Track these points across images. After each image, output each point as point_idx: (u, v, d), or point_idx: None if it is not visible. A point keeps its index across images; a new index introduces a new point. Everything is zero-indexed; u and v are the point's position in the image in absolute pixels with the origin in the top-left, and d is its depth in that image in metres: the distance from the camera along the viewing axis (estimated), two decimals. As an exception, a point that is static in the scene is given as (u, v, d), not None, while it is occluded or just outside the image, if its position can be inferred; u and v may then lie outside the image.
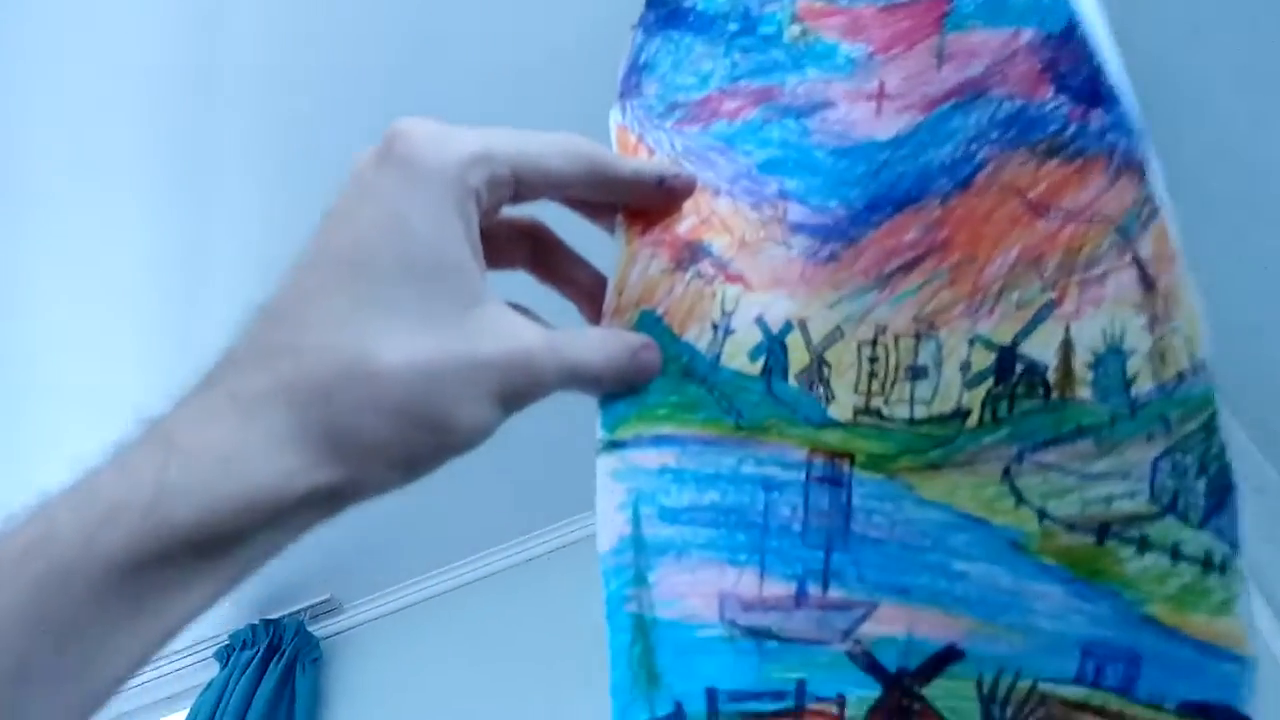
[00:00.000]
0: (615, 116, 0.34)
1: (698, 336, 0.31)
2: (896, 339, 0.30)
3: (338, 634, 1.86)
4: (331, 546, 1.76)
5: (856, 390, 0.30)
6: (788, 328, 0.31)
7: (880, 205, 0.31)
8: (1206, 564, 0.25)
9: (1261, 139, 0.97)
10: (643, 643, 0.28)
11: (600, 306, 0.31)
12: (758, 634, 0.28)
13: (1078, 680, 0.26)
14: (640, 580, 0.28)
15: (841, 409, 0.30)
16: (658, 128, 0.34)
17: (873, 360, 0.30)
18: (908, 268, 0.30)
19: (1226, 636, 0.24)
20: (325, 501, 0.23)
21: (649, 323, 0.30)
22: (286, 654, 1.71)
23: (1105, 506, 0.26)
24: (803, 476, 0.29)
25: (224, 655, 1.75)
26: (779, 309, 0.31)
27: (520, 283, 0.33)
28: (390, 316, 0.24)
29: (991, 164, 0.30)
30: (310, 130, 1.16)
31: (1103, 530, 0.26)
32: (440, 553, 1.85)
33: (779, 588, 0.29)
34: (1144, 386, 0.26)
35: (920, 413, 0.29)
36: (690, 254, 0.31)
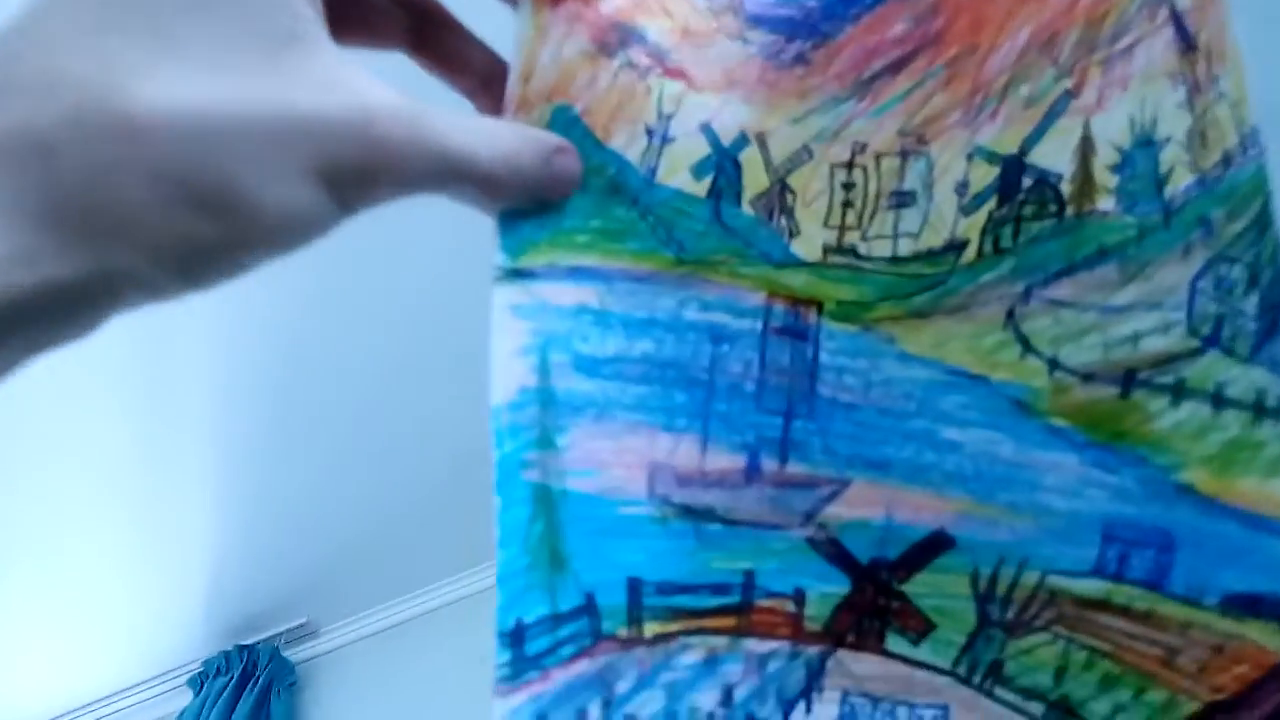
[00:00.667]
0: None
1: (627, 144, 0.24)
2: (878, 159, 0.25)
3: (314, 658, 1.83)
4: (308, 569, 1.74)
5: (827, 223, 0.25)
6: (742, 141, 0.25)
7: None
8: (1259, 409, 0.20)
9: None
10: (546, 519, 0.22)
11: (499, 102, 0.24)
12: (696, 514, 0.23)
13: (1097, 572, 0.21)
14: (546, 443, 0.23)
15: (808, 246, 0.25)
16: None
17: (848, 186, 0.25)
18: (893, 69, 0.25)
19: (1278, 503, 0.20)
20: (72, 303, 0.17)
21: (564, 121, 0.24)
22: (261, 680, 1.68)
23: (1132, 347, 0.22)
24: (759, 326, 0.24)
25: (197, 682, 1.71)
26: (732, 116, 0.25)
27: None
28: (159, 45, 0.17)
29: None
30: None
31: (1128, 378, 0.22)
32: (418, 575, 1.82)
33: (725, 460, 0.24)
34: (1181, 183, 0.21)
35: (905, 248, 0.24)
36: (618, 37, 0.24)
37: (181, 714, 1.66)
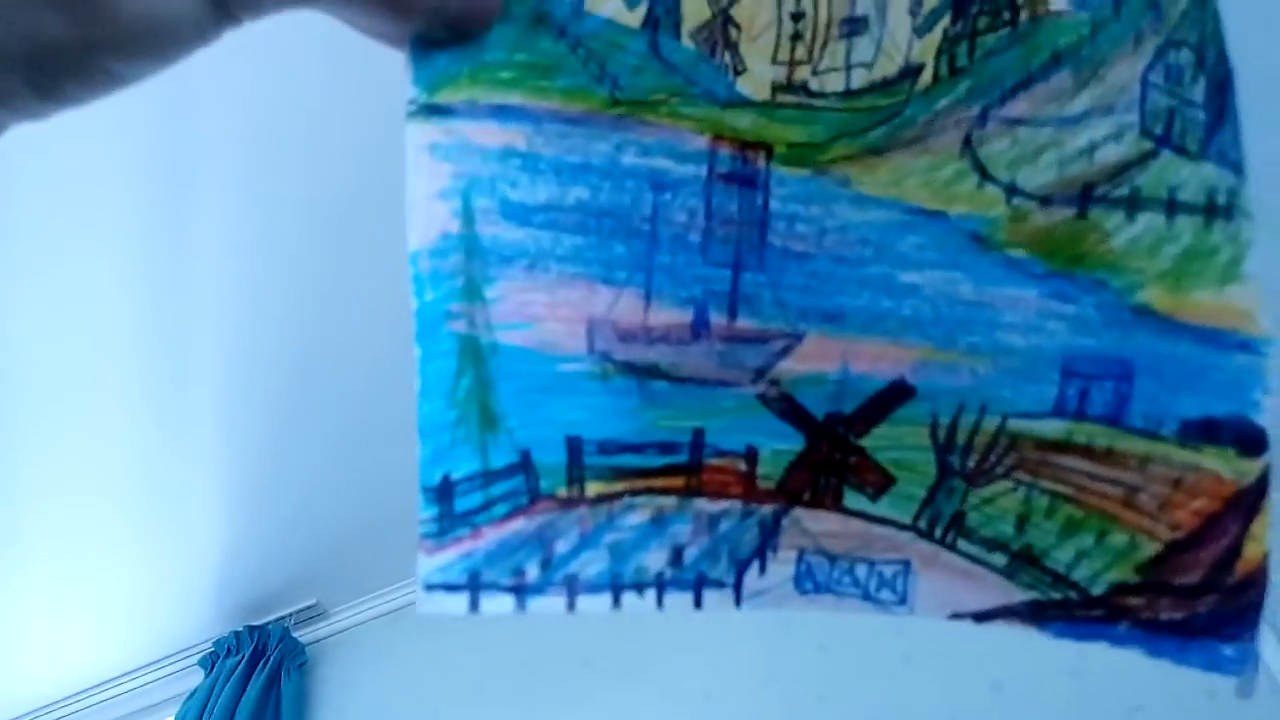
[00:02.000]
0: None
1: None
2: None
3: (324, 639, 1.84)
4: (317, 550, 1.74)
5: (775, 59, 0.23)
6: None
7: None
8: (1209, 210, 0.20)
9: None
10: (474, 373, 0.21)
11: None
12: (640, 371, 0.22)
13: (1057, 412, 0.21)
14: (472, 294, 0.21)
15: (755, 84, 0.23)
16: None
17: (796, 17, 0.23)
18: None
19: (1233, 314, 0.19)
20: None
21: None
22: (271, 660, 1.69)
23: (1088, 161, 0.21)
24: (703, 172, 0.23)
25: (208, 663, 1.73)
26: None
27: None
28: None
29: None
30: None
31: (1085, 195, 0.21)
32: (427, 555, 1.83)
33: (670, 314, 0.22)
34: None
35: (859, 80, 0.23)
36: None
37: (192, 694, 1.67)
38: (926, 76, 0.23)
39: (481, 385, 0.21)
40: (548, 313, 0.22)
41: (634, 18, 0.23)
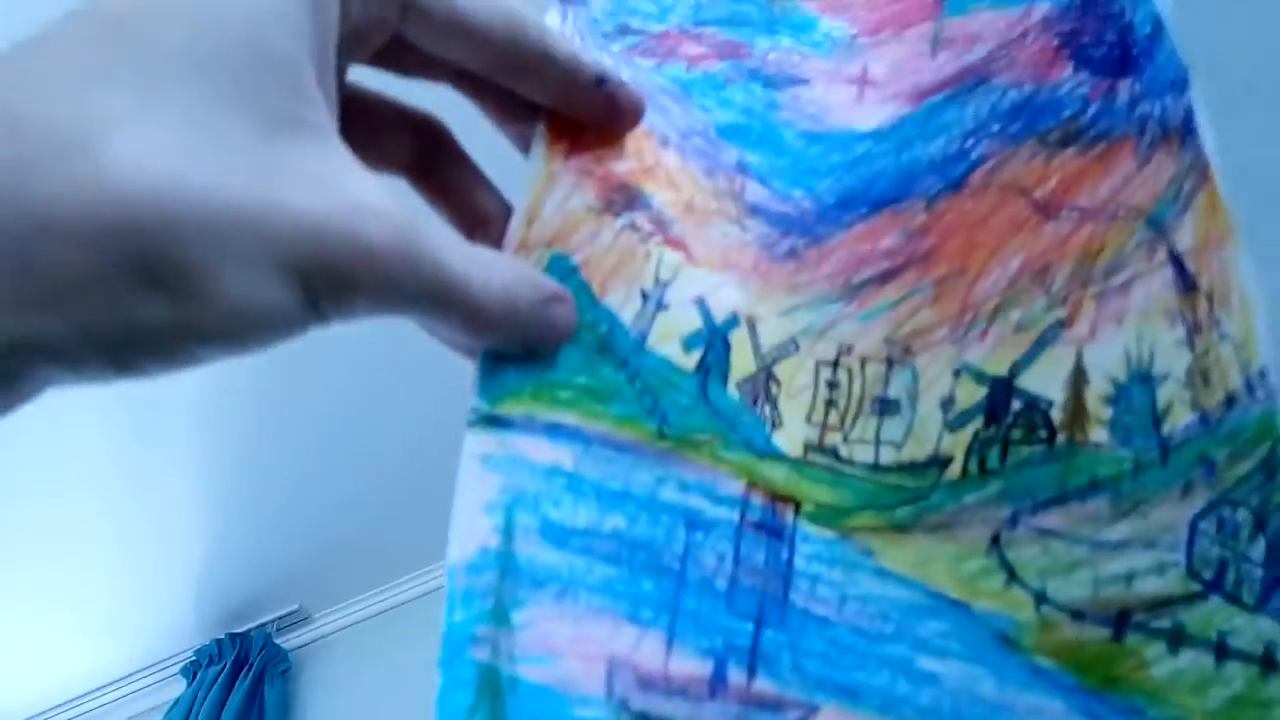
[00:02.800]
0: (553, 18, 0.27)
1: (622, 303, 0.24)
2: (863, 363, 0.24)
3: (307, 644, 1.83)
4: (299, 555, 1.73)
5: (809, 420, 0.24)
6: (733, 321, 0.25)
7: (854, 202, 0.26)
8: (1267, 663, 0.19)
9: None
10: (489, 708, 0.20)
11: (498, 244, 0.24)
12: None
13: None
14: (501, 617, 0.21)
15: (789, 440, 0.24)
16: (603, 48, 0.27)
17: (832, 385, 0.24)
18: (882, 279, 0.25)
19: None
20: None
21: (561, 270, 0.23)
22: (254, 667, 1.68)
23: (1125, 586, 0.20)
24: (735, 517, 0.23)
25: (190, 671, 1.71)
26: (726, 296, 0.25)
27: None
28: (146, 102, 0.15)
29: (991, 160, 0.25)
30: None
31: (1122, 619, 0.20)
32: (410, 559, 1.82)
33: (691, 664, 0.22)
34: (1180, 421, 0.20)
35: (887, 457, 0.23)
36: (624, 199, 0.25)
37: (175, 703, 1.66)
38: (955, 469, 0.23)
39: None
40: (570, 647, 0.21)
41: (689, 360, 0.24)
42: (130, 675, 1.77)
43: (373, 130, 0.23)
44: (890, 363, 0.24)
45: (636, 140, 0.26)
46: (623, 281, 0.24)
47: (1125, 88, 0.24)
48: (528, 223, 0.24)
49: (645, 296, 0.24)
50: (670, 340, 0.24)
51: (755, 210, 0.27)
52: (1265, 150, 1.13)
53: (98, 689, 1.75)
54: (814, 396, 0.24)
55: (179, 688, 1.71)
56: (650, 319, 0.24)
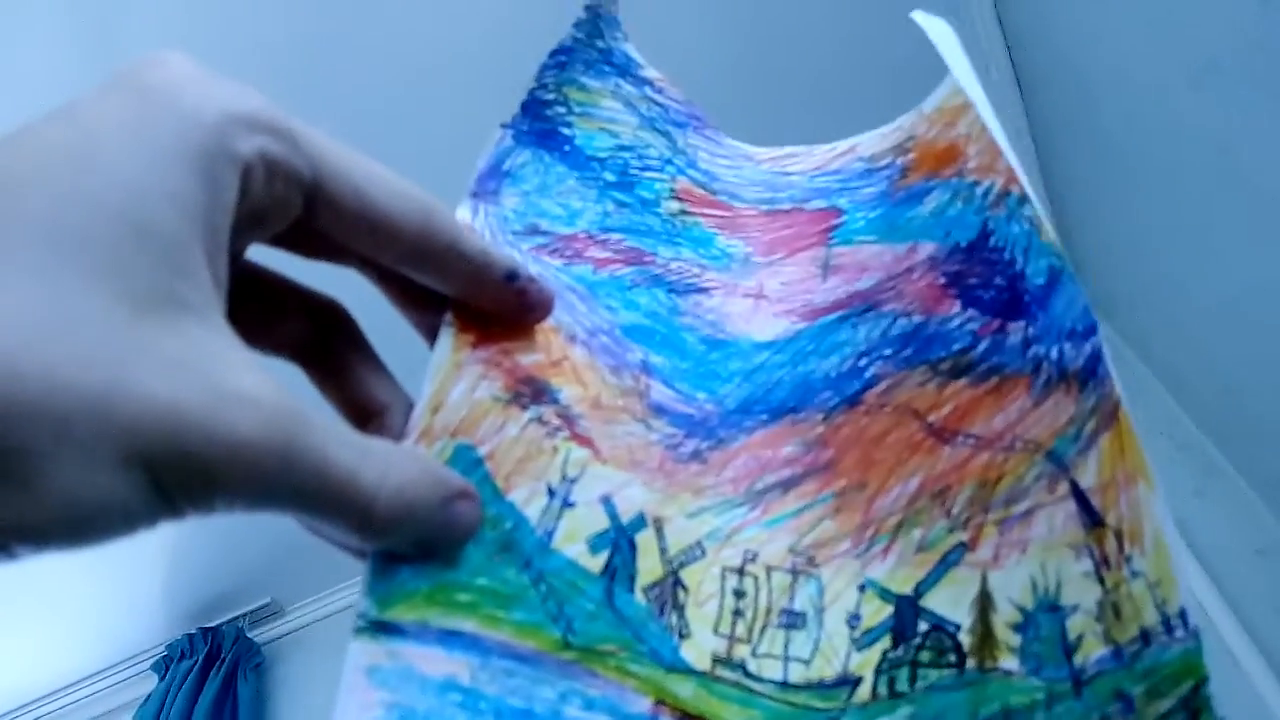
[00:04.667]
0: (464, 214, 0.27)
1: (527, 500, 0.23)
2: (768, 571, 0.24)
3: (280, 638, 1.83)
4: (269, 548, 1.72)
5: (717, 630, 0.23)
6: (640, 522, 0.24)
7: (754, 409, 0.26)
8: None
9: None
10: None
11: (395, 438, 0.23)
12: None
13: None
14: None
15: (697, 652, 0.23)
16: (513, 245, 0.27)
17: (738, 594, 0.24)
18: (784, 487, 0.25)
19: None
20: None
21: (466, 462, 0.22)
22: (226, 662, 1.68)
23: None
24: None
25: (162, 667, 1.71)
26: (632, 495, 0.24)
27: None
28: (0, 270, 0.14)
29: (885, 381, 0.25)
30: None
31: None
32: (382, 551, 1.82)
33: None
34: (1093, 653, 0.20)
35: (796, 675, 0.22)
36: (532, 391, 0.24)
37: (147, 699, 1.65)
38: (865, 691, 0.22)
39: None
40: None
41: (595, 563, 0.23)
42: (101, 671, 1.76)
43: (268, 311, 0.22)
44: (795, 573, 0.24)
45: (545, 334, 0.25)
46: (529, 477, 0.23)
47: (1017, 329, 0.24)
48: (431, 410, 0.23)
49: (552, 493, 0.23)
50: (576, 540, 0.23)
51: (660, 410, 0.26)
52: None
53: (68, 686, 1.75)
54: (721, 606, 0.24)
55: (151, 683, 1.70)
56: (556, 517, 0.23)
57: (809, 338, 0.28)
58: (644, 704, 0.22)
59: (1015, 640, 0.21)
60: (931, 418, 0.24)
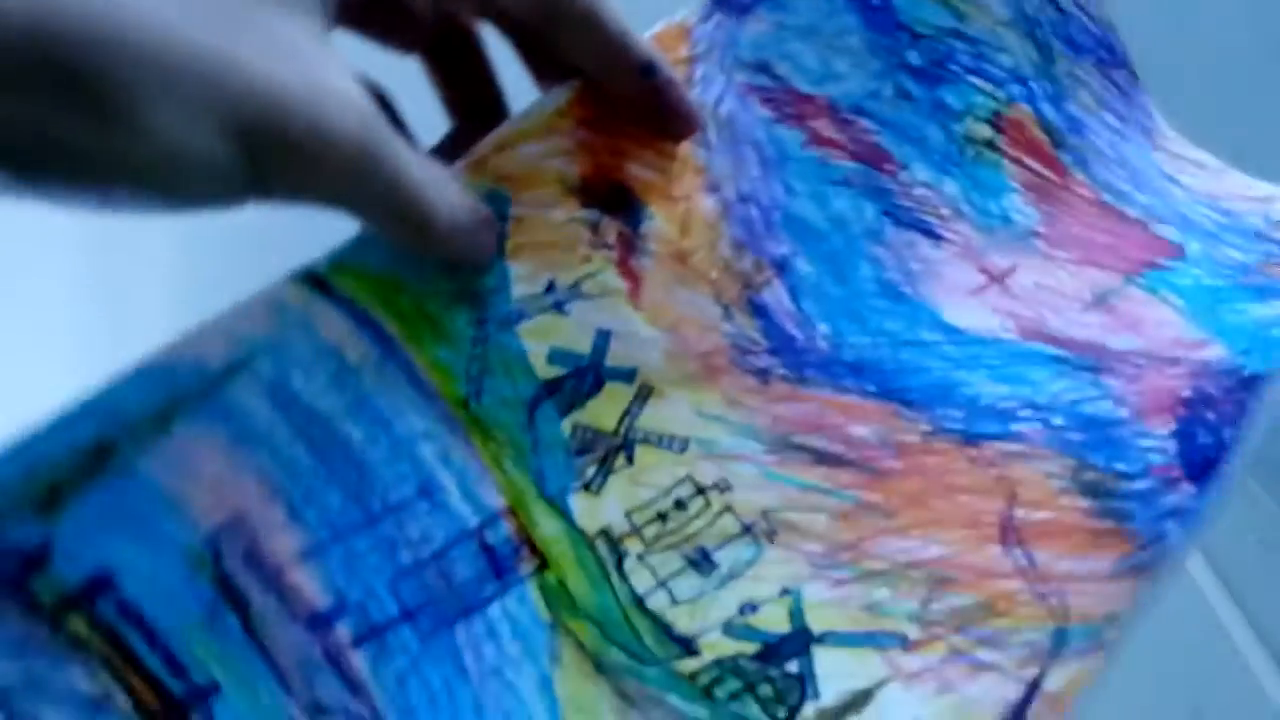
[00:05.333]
0: (688, 15, 0.24)
1: (523, 277, 0.22)
2: (725, 510, 0.22)
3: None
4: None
5: (629, 514, 0.22)
6: (628, 375, 0.23)
7: (867, 374, 0.24)
8: None
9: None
10: (89, 468, 0.19)
11: (468, 142, 0.22)
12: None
13: None
14: (164, 419, 0.20)
15: (590, 512, 0.22)
16: (724, 69, 0.24)
17: (679, 504, 0.22)
18: (820, 458, 0.23)
19: None
20: None
21: (494, 207, 0.22)
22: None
23: None
24: (473, 524, 0.21)
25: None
26: (639, 349, 0.23)
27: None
28: None
29: (1020, 445, 0.23)
30: None
31: None
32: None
33: (311, 586, 0.20)
34: None
35: (655, 602, 0.22)
36: (610, 199, 0.23)
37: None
38: (689, 666, 0.21)
39: None
40: (212, 477, 0.20)
41: (545, 370, 0.22)
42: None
43: (391, 9, 0.22)
44: (747, 530, 0.22)
45: (680, 162, 0.23)
46: (540, 262, 0.22)
47: (1181, 492, 0.22)
48: (495, 148, 0.22)
49: (551, 289, 0.22)
50: (542, 340, 0.22)
51: (761, 312, 0.24)
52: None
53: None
54: (653, 500, 0.22)
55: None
56: (539, 309, 0.22)
57: (1002, 352, 0.24)
58: (496, 500, 0.21)
59: None
60: (1017, 513, 0.22)
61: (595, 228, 0.23)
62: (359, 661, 0.21)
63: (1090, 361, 0.24)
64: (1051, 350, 0.24)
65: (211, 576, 0.20)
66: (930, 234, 0.25)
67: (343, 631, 0.21)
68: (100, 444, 0.19)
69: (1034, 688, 0.21)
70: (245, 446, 0.20)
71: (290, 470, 0.21)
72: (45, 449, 0.19)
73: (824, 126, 0.25)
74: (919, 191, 0.25)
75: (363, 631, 0.21)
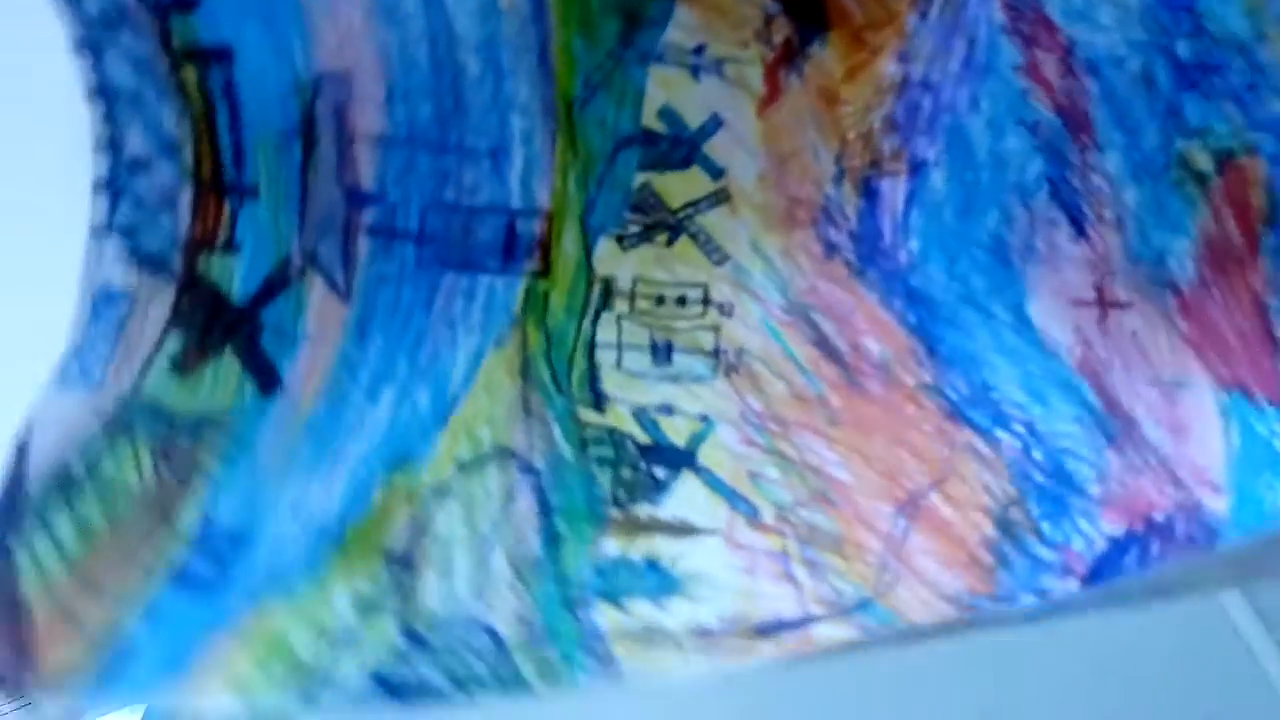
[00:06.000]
0: None
1: (683, 25, 0.22)
2: (710, 328, 0.23)
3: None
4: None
5: (636, 279, 0.23)
6: (717, 171, 0.23)
7: (917, 304, 0.23)
8: None
9: None
10: None
11: None
12: None
13: None
14: None
15: (610, 255, 0.23)
16: None
17: (680, 300, 0.23)
18: (818, 341, 0.23)
19: None
20: None
21: None
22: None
23: None
24: (518, 205, 0.23)
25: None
26: (739, 155, 0.23)
27: None
28: None
29: (985, 448, 0.23)
30: None
31: None
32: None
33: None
34: None
35: (602, 357, 0.23)
36: (803, 3, 0.23)
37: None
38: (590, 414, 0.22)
39: None
40: None
41: (651, 121, 0.23)
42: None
43: None
44: (714, 354, 0.23)
45: (885, 8, 0.22)
46: (703, 21, 0.22)
47: (1068, 585, 0.21)
48: None
49: (699, 51, 0.22)
50: (663, 90, 0.23)
51: (870, 194, 0.24)
52: None
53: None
54: (663, 283, 0.23)
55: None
56: (677, 62, 0.23)
57: (1048, 369, 0.23)
58: (544, 200, 0.23)
59: None
60: (931, 496, 0.22)
61: (769, 20, 0.22)
62: (362, 246, 0.23)
63: (1112, 430, 0.22)
64: (1090, 396, 0.23)
65: (301, 106, 0.23)
66: (1078, 225, 0.23)
67: (366, 216, 0.23)
68: None
69: (810, 621, 0.21)
70: (384, 19, 0.22)
71: (406, 64, 0.22)
72: None
73: (1048, 63, 0.23)
74: (1096, 180, 0.23)
75: (380, 226, 0.23)
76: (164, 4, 0.22)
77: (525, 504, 0.21)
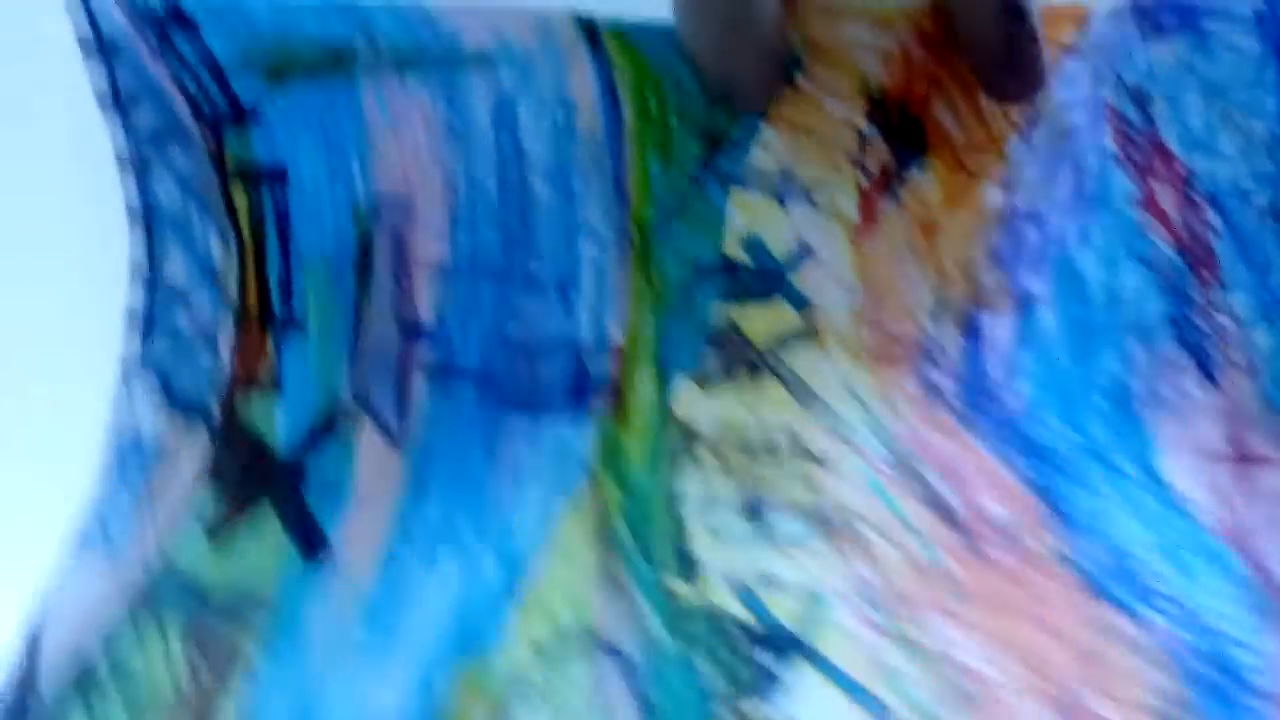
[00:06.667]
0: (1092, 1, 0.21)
1: (769, 148, 0.21)
2: (805, 481, 0.20)
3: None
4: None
5: (720, 424, 0.21)
6: (804, 303, 0.21)
7: (1035, 457, 0.21)
8: None
9: None
10: None
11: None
12: None
13: None
14: None
15: (690, 398, 0.21)
16: (1097, 77, 0.21)
17: (769, 449, 0.21)
18: (932, 502, 0.20)
19: None
20: None
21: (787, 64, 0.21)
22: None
23: None
24: (588, 342, 0.21)
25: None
26: (830, 288, 0.21)
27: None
28: None
29: (1133, 629, 0.19)
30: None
31: None
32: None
33: None
34: None
35: (688, 515, 0.20)
36: (902, 126, 0.21)
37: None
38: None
39: None
40: None
41: (733, 250, 0.21)
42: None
43: None
44: (813, 513, 0.20)
45: (989, 133, 0.21)
46: (793, 144, 0.21)
47: None
48: (824, 9, 0.20)
49: (787, 177, 0.21)
50: (747, 217, 0.21)
51: (972, 332, 0.22)
52: None
53: None
54: (749, 428, 0.21)
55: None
56: (762, 188, 0.21)
57: (1188, 534, 0.20)
58: (616, 334, 0.21)
59: None
60: (1084, 695, 0.18)
61: (864, 144, 0.21)
62: (418, 386, 0.21)
63: (1268, 606, 0.19)
64: (1242, 570, 0.19)
65: (358, 232, 0.21)
66: (1206, 370, 0.21)
67: (423, 352, 0.21)
68: (342, 49, 0.20)
69: None
70: (450, 140, 0.20)
71: (473, 188, 0.21)
72: (297, 24, 0.20)
73: (1166, 195, 0.21)
74: (1223, 320, 0.21)
75: (438, 363, 0.21)
76: (220, 116, 0.20)
77: (618, 699, 0.17)
